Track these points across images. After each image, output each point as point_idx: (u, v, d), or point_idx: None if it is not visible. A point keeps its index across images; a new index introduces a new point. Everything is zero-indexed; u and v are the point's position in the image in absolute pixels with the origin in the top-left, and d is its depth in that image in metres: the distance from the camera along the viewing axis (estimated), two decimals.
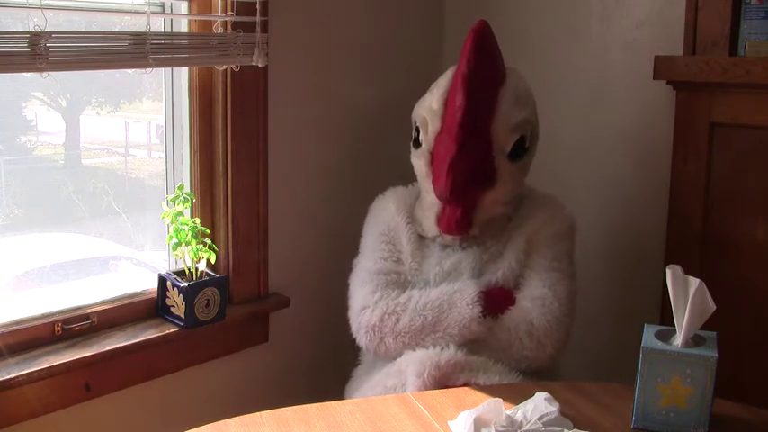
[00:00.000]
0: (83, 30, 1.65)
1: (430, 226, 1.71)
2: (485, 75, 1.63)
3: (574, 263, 1.72)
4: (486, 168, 1.63)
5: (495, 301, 1.61)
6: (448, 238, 1.69)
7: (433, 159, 1.67)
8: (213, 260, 1.77)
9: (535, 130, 1.72)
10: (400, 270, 1.70)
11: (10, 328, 1.57)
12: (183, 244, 1.74)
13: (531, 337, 1.58)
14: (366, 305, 1.66)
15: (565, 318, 1.62)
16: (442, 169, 1.61)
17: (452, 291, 1.62)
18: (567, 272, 1.67)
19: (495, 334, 1.59)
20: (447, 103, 1.65)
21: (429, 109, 1.68)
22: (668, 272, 1.29)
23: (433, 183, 1.66)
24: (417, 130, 1.72)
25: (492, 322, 1.59)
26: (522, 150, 1.68)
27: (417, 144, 1.72)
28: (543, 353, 1.59)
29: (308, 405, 1.34)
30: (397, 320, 1.61)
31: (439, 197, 1.65)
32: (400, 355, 1.63)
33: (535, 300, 1.61)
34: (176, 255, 1.78)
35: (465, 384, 1.51)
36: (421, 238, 1.74)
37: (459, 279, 1.66)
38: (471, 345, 1.59)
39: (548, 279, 1.64)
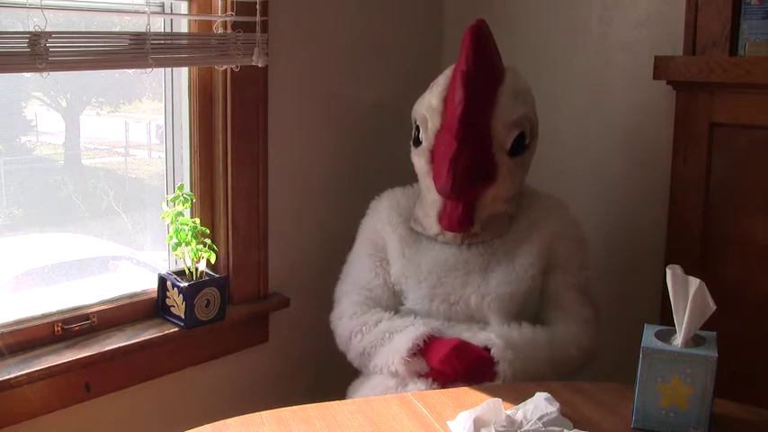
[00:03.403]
0: (83, 30, 1.65)
1: (431, 224, 1.71)
2: (484, 71, 1.64)
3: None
4: (486, 164, 1.64)
5: (435, 352, 1.58)
6: (449, 235, 1.70)
7: (433, 157, 1.68)
8: (213, 260, 1.77)
9: (535, 126, 1.72)
10: (383, 282, 1.75)
11: (10, 328, 1.57)
12: (183, 244, 1.74)
13: (580, 352, 1.67)
14: (342, 315, 1.75)
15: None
16: (442, 165, 1.62)
17: (399, 328, 1.64)
18: (590, 281, 1.77)
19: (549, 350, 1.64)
20: (447, 100, 1.65)
21: (429, 107, 1.68)
22: (668, 272, 1.29)
23: (434, 179, 1.66)
24: (417, 128, 1.72)
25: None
26: (521, 146, 1.68)
27: (417, 142, 1.73)
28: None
29: (308, 405, 1.35)
30: (360, 340, 1.68)
31: (440, 193, 1.65)
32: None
33: (579, 323, 1.69)
34: (176, 255, 1.78)
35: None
36: (420, 236, 1.74)
37: (468, 277, 1.67)
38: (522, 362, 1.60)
39: (580, 298, 1.72)
